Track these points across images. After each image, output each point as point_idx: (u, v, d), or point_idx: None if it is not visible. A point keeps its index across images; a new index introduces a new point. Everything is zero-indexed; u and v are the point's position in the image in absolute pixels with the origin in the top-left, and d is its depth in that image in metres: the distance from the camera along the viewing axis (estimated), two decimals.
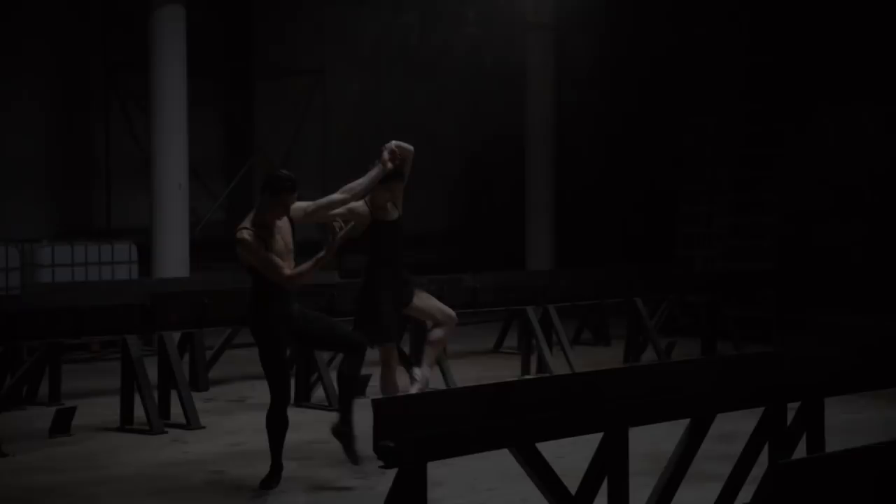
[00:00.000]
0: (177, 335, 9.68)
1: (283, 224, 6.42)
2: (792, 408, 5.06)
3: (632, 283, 11.48)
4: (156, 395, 8.08)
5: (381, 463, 3.79)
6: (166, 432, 7.71)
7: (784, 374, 5.03)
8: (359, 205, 6.98)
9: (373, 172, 6.92)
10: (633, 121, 16.78)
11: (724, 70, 14.12)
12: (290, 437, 7.64)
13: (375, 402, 3.78)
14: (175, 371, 8.02)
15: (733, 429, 5.82)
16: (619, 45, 17.22)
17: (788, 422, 5.07)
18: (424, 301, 7.38)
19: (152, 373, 8.13)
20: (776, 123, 13.73)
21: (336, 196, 6.83)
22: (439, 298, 9.90)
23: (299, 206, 6.55)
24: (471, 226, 18.36)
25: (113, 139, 15.13)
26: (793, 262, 13.59)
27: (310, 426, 8.00)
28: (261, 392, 9.55)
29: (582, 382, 4.50)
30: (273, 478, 6.32)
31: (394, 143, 7.00)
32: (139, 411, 7.80)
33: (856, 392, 5.47)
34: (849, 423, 7.26)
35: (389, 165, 6.89)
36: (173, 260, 12.78)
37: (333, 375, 9.35)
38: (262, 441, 7.48)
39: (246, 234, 6.20)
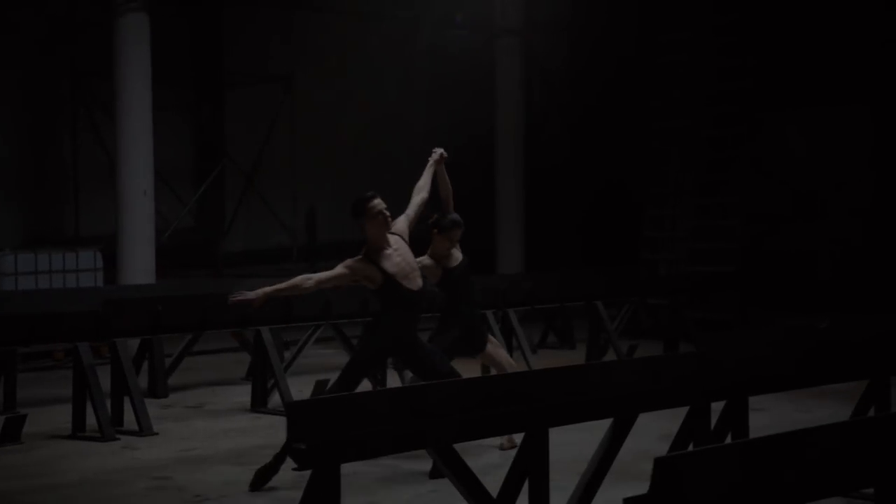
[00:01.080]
0: (134, 342, 9.76)
1: (397, 244, 6.32)
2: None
3: (592, 286, 11.57)
4: (109, 402, 8.12)
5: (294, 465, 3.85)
6: (118, 439, 7.75)
7: (707, 374, 5.11)
8: (427, 262, 6.96)
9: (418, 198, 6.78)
10: (601, 125, 16.90)
11: (690, 75, 14.24)
12: (243, 441, 7.73)
13: (288, 406, 3.84)
14: (128, 378, 8.06)
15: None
16: (587, 51, 17.35)
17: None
18: (495, 349, 7.40)
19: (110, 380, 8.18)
20: (740, 127, 13.85)
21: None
22: None
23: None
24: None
25: (81, 147, 15.18)
26: (755, 265, 13.72)
27: (264, 431, 8.06)
28: (221, 398, 9.65)
29: (502, 384, 4.57)
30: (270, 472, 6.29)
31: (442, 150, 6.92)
32: (92, 419, 7.84)
33: (780, 391, 5.55)
34: (799, 422, 7.34)
35: (435, 156, 6.82)
36: (139, 267, 12.82)
37: (290, 381, 9.47)
38: (214, 447, 7.57)
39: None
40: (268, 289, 6.29)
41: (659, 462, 2.92)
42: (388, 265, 6.19)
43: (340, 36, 17.32)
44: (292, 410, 3.86)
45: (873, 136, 14.41)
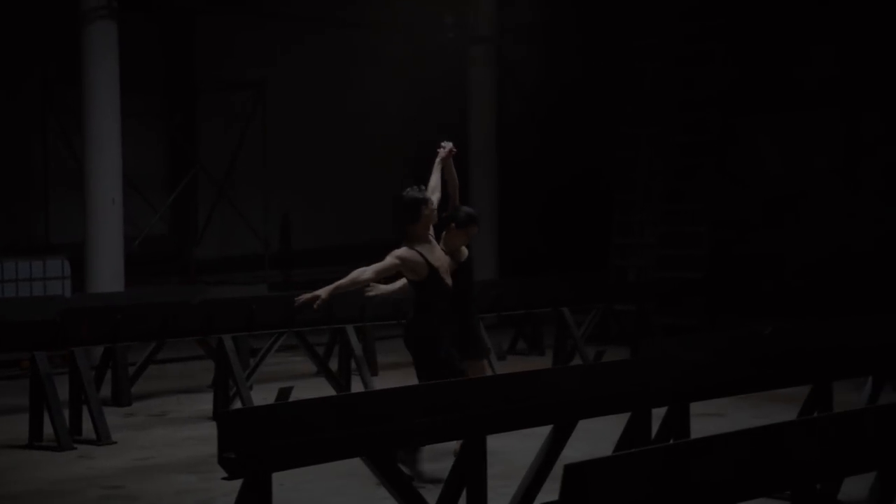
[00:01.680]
0: (99, 350, 9.75)
1: (433, 241, 6.53)
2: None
3: (559, 292, 11.62)
4: (68, 411, 8.11)
5: (224, 474, 3.87)
6: (75, 448, 7.74)
7: (648, 380, 5.15)
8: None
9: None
10: (573, 131, 16.97)
11: (659, 82, 14.33)
12: (201, 449, 7.72)
13: (218, 416, 3.86)
14: (86, 386, 8.05)
15: None
16: (561, 57, 17.41)
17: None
18: (483, 369, 7.24)
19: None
20: (708, 134, 13.94)
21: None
22: (361, 310, 10.09)
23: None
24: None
25: (51, 154, 15.16)
26: (724, 271, 13.80)
27: None
28: (185, 406, 9.64)
29: (439, 391, 4.60)
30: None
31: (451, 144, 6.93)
32: (50, 428, 7.83)
33: (720, 396, 5.59)
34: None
35: (443, 152, 6.83)
36: (107, 275, 12.78)
37: (257, 389, 9.49)
38: (171, 455, 7.57)
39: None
40: (328, 287, 6.32)
41: (568, 469, 2.96)
42: (433, 259, 6.37)
43: (313, 42, 17.35)
44: (222, 420, 3.88)
45: (844, 140, 14.51)
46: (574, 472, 2.95)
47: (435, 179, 6.83)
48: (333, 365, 10.37)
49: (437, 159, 6.95)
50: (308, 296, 6.28)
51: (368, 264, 6.50)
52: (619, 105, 14.86)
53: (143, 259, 15.92)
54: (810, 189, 14.62)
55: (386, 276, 6.60)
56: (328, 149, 18.11)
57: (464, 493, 4.60)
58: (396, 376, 11.02)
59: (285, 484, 6.61)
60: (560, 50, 17.49)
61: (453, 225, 7.03)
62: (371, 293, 6.95)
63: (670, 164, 14.06)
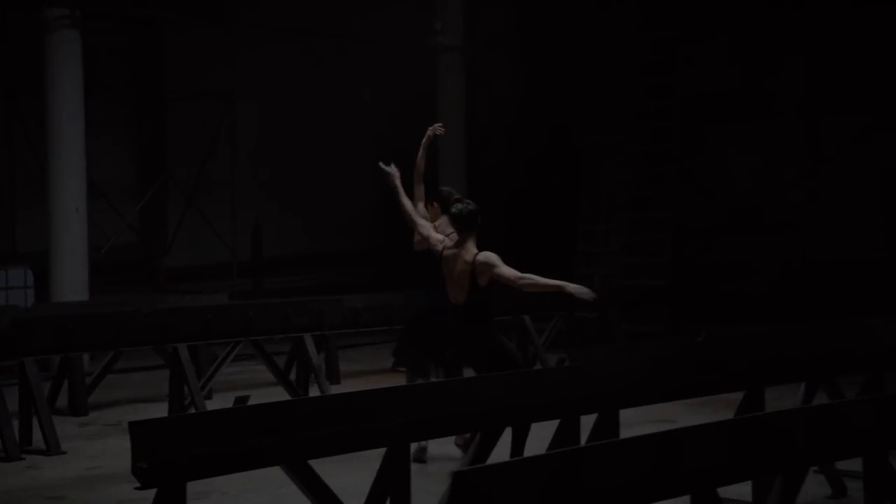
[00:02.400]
0: (57, 359, 9.74)
1: None
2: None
3: (521, 300, 11.64)
4: (18, 421, 8.10)
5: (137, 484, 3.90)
6: (23, 459, 7.72)
7: (576, 387, 5.18)
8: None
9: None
10: (541, 141, 17.06)
11: (621, 91, 14.42)
12: None
13: (131, 425, 3.89)
14: (35, 396, 8.04)
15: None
16: (530, 67, 17.49)
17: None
18: None
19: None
20: (670, 143, 14.03)
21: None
22: (319, 318, 10.10)
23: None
24: (390, 245, 18.50)
25: (17, 163, 15.13)
26: (689, 278, 13.87)
27: None
28: (141, 415, 9.58)
29: (360, 400, 4.62)
30: None
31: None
32: None
33: (649, 403, 5.64)
34: None
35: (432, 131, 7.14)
36: (70, 284, 12.77)
37: (216, 398, 9.50)
38: (120, 465, 7.54)
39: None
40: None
41: (456, 476, 2.99)
42: None
43: (282, 52, 17.37)
44: (135, 429, 3.90)
45: (808, 148, 14.61)
46: (462, 480, 2.98)
47: (422, 162, 7.17)
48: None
49: (425, 140, 7.22)
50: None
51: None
52: (583, 114, 14.94)
53: (112, 268, 15.90)
54: (776, 197, 14.72)
55: None
56: (298, 157, 18.12)
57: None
58: (358, 385, 11.04)
59: (229, 493, 6.64)
60: (529, 59, 17.57)
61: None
62: None
63: (633, 172, 14.14)
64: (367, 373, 12.00)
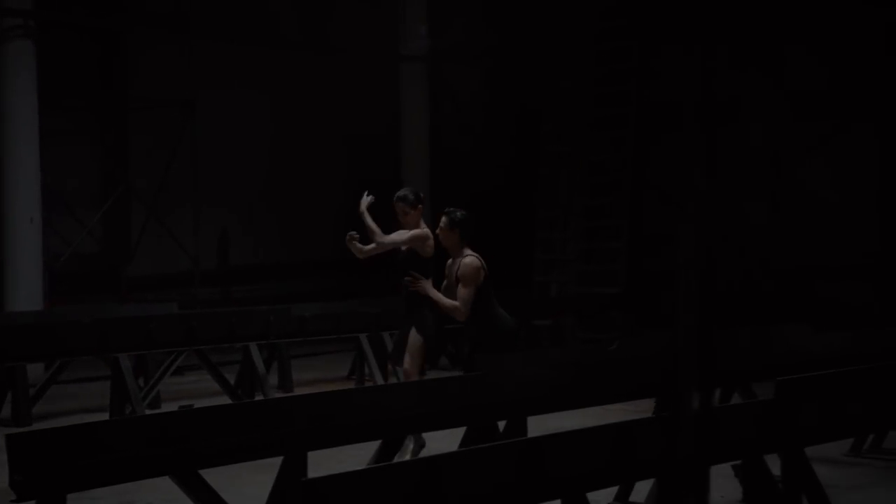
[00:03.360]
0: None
1: None
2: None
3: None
4: None
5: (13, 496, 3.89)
6: None
7: (482, 394, 5.20)
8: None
9: None
10: (500, 149, 17.10)
11: (575, 100, 14.48)
12: None
13: (9, 438, 3.89)
14: None
15: None
16: (495, 77, 17.54)
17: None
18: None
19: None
20: (623, 152, 14.10)
21: None
22: (266, 327, 10.10)
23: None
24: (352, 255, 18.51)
25: None
26: (643, 285, 13.92)
27: None
28: None
29: (256, 409, 4.63)
30: None
31: None
32: None
33: (557, 410, 5.65)
34: None
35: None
36: (25, 294, 12.74)
37: (164, 408, 9.48)
38: None
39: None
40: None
41: (305, 485, 3.00)
42: None
43: (246, 61, 17.38)
44: (12, 442, 3.90)
45: (769, 153, 14.67)
46: (311, 489, 2.99)
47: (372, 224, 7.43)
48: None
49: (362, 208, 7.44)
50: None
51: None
52: (540, 123, 15.00)
53: (75, 277, 15.86)
54: (738, 205, 14.78)
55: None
56: (265, 166, 18.13)
57: None
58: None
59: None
60: (495, 68, 17.61)
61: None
62: None
63: (589, 180, 14.21)
64: (320, 381, 11.99)
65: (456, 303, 6.67)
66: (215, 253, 18.33)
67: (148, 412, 9.02)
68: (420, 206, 7.58)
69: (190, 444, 4.27)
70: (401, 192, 7.66)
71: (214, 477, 4.68)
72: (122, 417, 4.41)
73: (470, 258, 6.90)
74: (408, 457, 5.88)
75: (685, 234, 2.32)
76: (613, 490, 4.88)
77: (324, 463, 4.52)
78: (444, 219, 7.10)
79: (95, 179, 17.17)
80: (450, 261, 7.08)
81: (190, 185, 16.73)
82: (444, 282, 7.20)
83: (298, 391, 11.25)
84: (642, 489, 4.67)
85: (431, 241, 7.37)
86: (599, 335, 13.24)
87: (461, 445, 5.24)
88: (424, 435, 6.12)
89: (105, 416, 9.81)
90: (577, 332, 13.26)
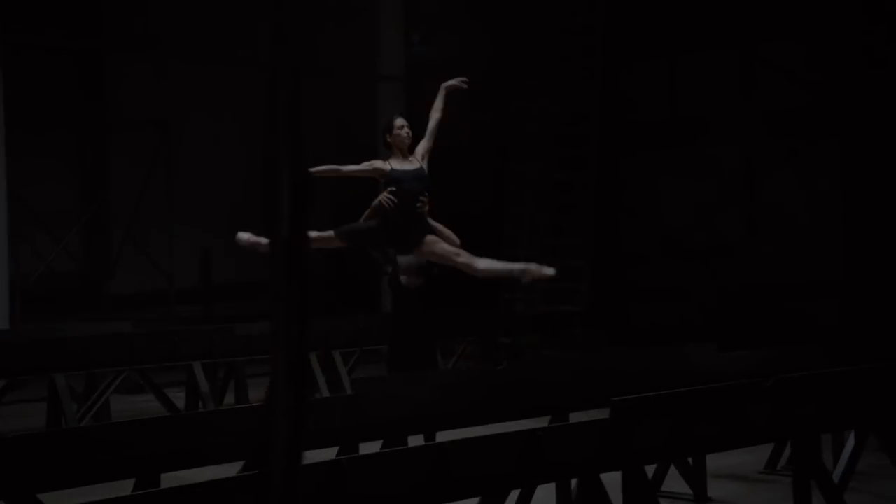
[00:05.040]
0: None
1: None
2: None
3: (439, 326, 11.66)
4: None
5: None
6: None
7: (357, 415, 5.23)
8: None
9: None
10: (470, 167, 17.16)
11: (540, 119, 14.53)
12: None
13: None
14: None
15: None
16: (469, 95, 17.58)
17: None
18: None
19: None
20: (585, 171, 14.14)
21: None
22: (209, 345, 10.16)
23: None
24: (336, 271, 18.58)
25: None
26: (609, 303, 13.93)
27: None
28: None
29: (112, 431, 4.67)
30: None
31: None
32: None
33: (439, 430, 5.64)
34: None
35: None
36: None
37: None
38: None
39: None
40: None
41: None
42: None
43: (225, 80, 17.53)
44: None
45: (743, 173, 14.65)
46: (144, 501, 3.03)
47: (438, 102, 7.58)
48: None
49: (443, 86, 7.52)
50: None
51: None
52: (505, 142, 15.06)
53: (51, 295, 16.02)
54: (706, 224, 14.77)
55: None
56: (247, 184, 18.25)
57: None
58: None
59: None
60: (474, 88, 17.65)
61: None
62: None
63: (552, 199, 14.24)
64: None
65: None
66: (198, 271, 18.44)
67: None
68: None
69: (27, 467, 4.30)
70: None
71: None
72: None
73: None
74: None
75: None
76: None
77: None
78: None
79: (74, 199, 17.31)
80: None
81: (163, 204, 16.87)
82: None
83: None
84: None
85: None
86: (564, 353, 13.24)
87: None
88: None
89: None
90: (542, 350, 13.24)
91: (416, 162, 7.47)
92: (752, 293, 14.30)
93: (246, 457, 4.96)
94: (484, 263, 7.09)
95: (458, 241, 7.31)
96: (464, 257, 7.06)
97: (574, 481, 4.39)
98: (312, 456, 5.27)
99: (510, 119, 15.07)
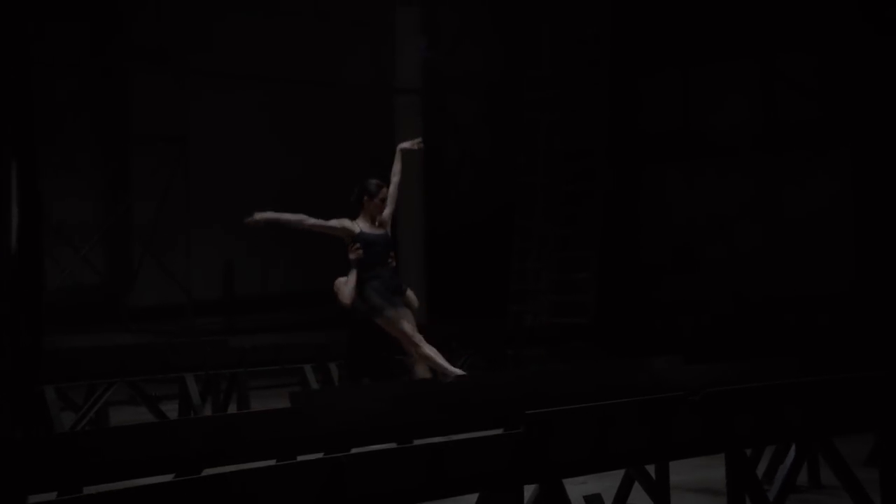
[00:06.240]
0: None
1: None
2: None
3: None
4: None
5: None
6: None
7: (298, 428, 5.24)
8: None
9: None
10: (482, 179, 17.19)
11: (551, 132, 14.52)
12: None
13: None
14: None
15: None
16: (492, 108, 17.62)
17: None
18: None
19: None
20: (593, 183, 14.09)
21: None
22: (202, 358, 10.25)
23: None
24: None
25: None
26: (618, 315, 13.84)
27: None
28: None
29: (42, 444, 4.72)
30: None
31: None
32: None
33: (381, 443, 5.62)
34: None
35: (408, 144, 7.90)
36: None
37: None
38: None
39: None
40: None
41: None
42: None
43: (243, 96, 17.71)
44: None
45: (754, 187, 14.51)
46: None
47: (397, 166, 7.85)
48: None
49: (401, 145, 7.86)
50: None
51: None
52: (516, 154, 15.07)
53: (76, 308, 16.30)
54: (718, 236, 14.64)
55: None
56: (272, 196, 18.39)
57: None
58: None
59: None
60: (494, 97, 17.68)
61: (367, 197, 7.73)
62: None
63: (561, 211, 14.21)
64: None
65: None
66: (220, 283, 18.64)
67: None
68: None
69: None
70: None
71: None
72: None
73: None
74: None
75: None
76: None
77: None
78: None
79: (96, 213, 17.55)
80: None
81: (186, 218, 17.05)
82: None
83: None
84: None
85: None
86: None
87: None
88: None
89: None
90: (548, 363, 13.18)
91: (382, 228, 7.78)
92: (768, 304, 14.14)
93: (178, 469, 4.99)
94: (429, 350, 7.47)
95: (416, 302, 7.84)
96: (417, 339, 7.47)
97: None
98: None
99: (521, 131, 15.05)
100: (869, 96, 13.07)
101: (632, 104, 14.90)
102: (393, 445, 5.01)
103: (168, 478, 4.30)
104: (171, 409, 11.75)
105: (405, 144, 7.97)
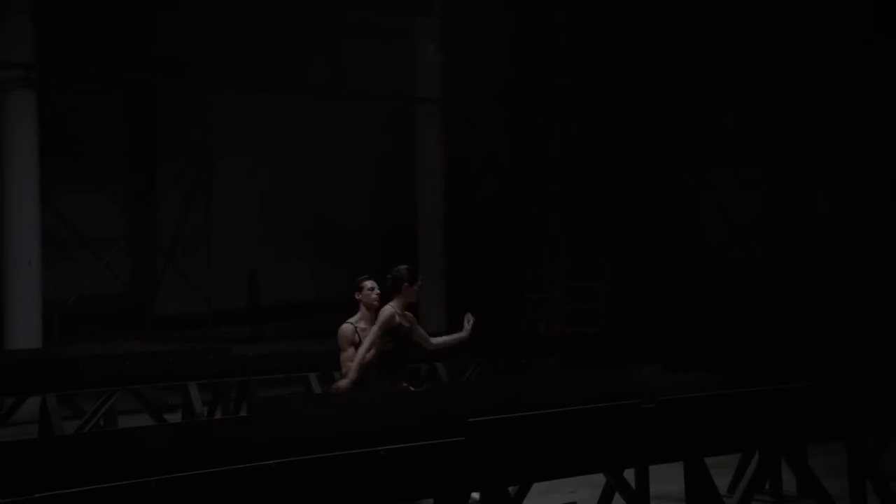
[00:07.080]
0: None
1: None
2: None
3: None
4: None
5: None
6: None
7: (261, 436, 5.24)
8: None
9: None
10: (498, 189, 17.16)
11: (563, 141, 14.46)
12: None
13: None
14: None
15: None
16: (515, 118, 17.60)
17: None
18: None
19: None
20: (605, 192, 14.01)
21: None
22: (205, 366, 10.29)
23: None
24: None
25: None
26: (634, 324, 13.72)
27: None
28: None
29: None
30: None
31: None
32: None
33: (346, 449, 5.59)
34: None
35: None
36: (25, 333, 13.27)
37: None
38: None
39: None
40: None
41: None
42: None
43: (268, 107, 17.84)
44: None
45: (765, 195, 14.35)
46: None
47: (443, 340, 7.49)
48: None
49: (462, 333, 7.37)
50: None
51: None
52: (529, 164, 15.02)
53: (102, 317, 16.49)
54: (739, 245, 14.49)
55: None
56: (296, 206, 18.51)
57: None
58: None
59: None
60: (518, 106, 17.65)
61: (406, 284, 7.29)
62: None
63: (574, 220, 14.13)
64: None
65: None
66: (245, 292, 18.76)
67: None
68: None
69: None
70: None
71: None
72: None
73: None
74: None
75: None
76: None
77: None
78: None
79: (121, 224, 17.75)
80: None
81: (215, 227, 17.19)
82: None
83: None
84: None
85: None
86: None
87: None
88: None
89: None
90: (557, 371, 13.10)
91: (410, 325, 7.30)
92: (789, 313, 13.97)
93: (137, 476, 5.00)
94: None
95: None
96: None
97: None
98: None
99: (535, 139, 15.00)
100: (887, 105, 12.88)
101: (651, 112, 14.79)
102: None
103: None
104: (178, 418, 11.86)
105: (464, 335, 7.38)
